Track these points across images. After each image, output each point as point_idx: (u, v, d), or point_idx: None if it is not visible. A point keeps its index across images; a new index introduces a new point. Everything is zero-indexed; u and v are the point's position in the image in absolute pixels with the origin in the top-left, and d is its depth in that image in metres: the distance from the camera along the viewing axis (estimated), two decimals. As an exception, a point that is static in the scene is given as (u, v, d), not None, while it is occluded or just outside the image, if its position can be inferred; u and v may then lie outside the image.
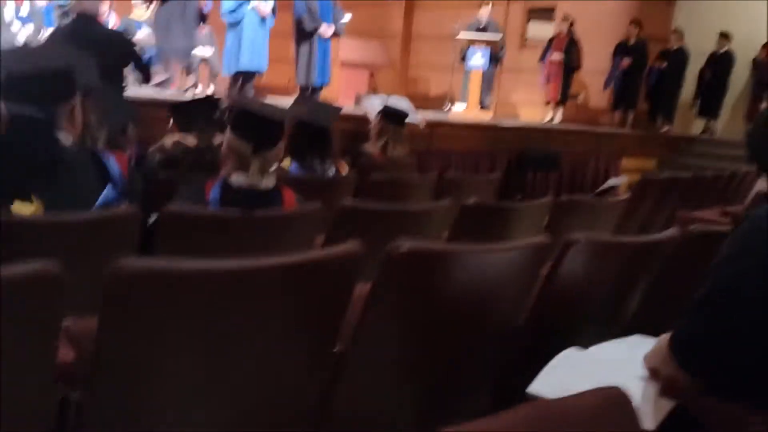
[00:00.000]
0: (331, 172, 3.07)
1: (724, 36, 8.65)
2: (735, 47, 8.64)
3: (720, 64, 8.68)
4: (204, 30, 10.38)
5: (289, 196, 2.20)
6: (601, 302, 1.79)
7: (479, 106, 8.46)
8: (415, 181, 3.48)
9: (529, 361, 1.44)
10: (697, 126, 9.14)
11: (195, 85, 7.31)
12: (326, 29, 7.25)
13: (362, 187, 3.21)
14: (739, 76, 8.69)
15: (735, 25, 8.71)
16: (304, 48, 7.30)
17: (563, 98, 9.17)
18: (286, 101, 8.07)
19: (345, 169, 3.16)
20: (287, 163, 3.00)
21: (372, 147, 3.98)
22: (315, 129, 3.00)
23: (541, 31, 10.34)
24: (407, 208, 2.38)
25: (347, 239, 2.18)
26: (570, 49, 8.94)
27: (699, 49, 8.81)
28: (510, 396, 1.40)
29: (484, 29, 8.81)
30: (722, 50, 8.70)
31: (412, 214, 2.41)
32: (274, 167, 2.43)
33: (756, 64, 8.39)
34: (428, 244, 1.38)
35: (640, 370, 1.27)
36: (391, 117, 3.95)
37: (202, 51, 9.73)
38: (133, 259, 1.08)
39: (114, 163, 1.93)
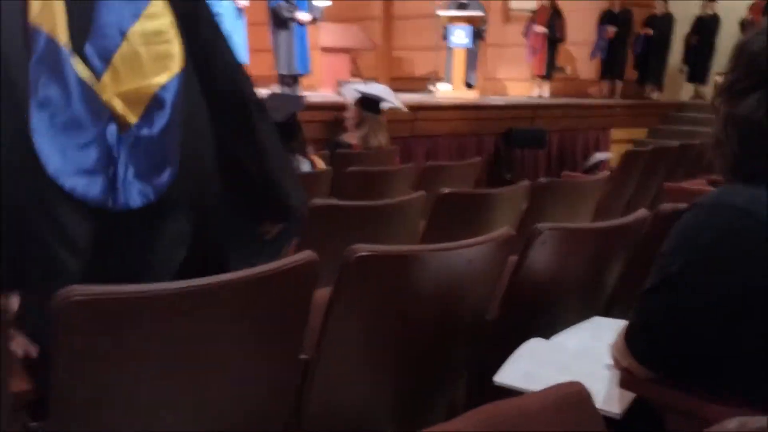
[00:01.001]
0: (306, 167, 3.07)
1: (709, -1, 8.64)
2: (721, 10, 8.61)
3: (706, 28, 8.66)
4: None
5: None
6: (574, 290, 1.81)
7: (465, 85, 8.45)
8: (395, 171, 3.48)
9: (502, 354, 1.47)
10: (687, 92, 9.13)
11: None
12: (303, 16, 7.21)
13: (339, 181, 3.22)
14: (728, 40, 8.65)
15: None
16: (282, 36, 7.27)
17: (549, 72, 9.16)
18: (264, 91, 8.06)
19: (320, 164, 3.16)
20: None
21: (350, 137, 3.98)
22: (280, 123, 3.00)
23: (525, 2, 10.28)
24: (380, 203, 2.38)
25: (318, 240, 2.21)
26: (553, 22, 8.91)
27: (684, 13, 8.79)
28: (484, 390, 1.43)
29: (465, 5, 8.76)
30: (708, 14, 8.67)
31: (386, 208, 2.42)
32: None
33: (744, 25, 8.36)
34: (385, 248, 1.39)
35: (604, 357, 1.30)
36: (368, 105, 3.94)
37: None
38: (79, 287, 1.09)
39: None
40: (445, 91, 8.47)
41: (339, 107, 5.25)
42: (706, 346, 1.03)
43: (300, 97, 3.67)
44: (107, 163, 1.19)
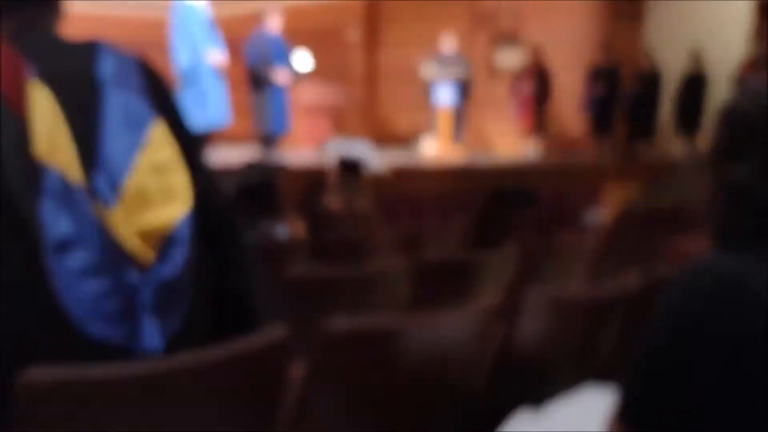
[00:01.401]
0: (284, 233, 3.08)
1: (696, 55, 8.93)
2: (710, 65, 8.90)
3: (694, 84, 8.93)
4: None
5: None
6: (566, 359, 1.81)
7: (451, 142, 8.59)
8: (378, 236, 3.50)
9: (490, 428, 1.45)
10: (678, 147, 9.34)
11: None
12: (282, 75, 7.36)
13: (319, 248, 3.22)
14: (719, 94, 8.92)
15: (707, 40, 9.00)
16: (259, 95, 7.40)
17: (538, 129, 9.36)
18: (245, 151, 8.14)
19: (299, 229, 3.18)
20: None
21: (331, 201, 4.01)
22: (257, 190, 3.03)
23: (509, 58, 10.58)
24: (361, 272, 2.39)
25: (296, 312, 2.20)
26: (540, 79, 9.16)
27: (672, 67, 9.07)
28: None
29: (449, 63, 8.99)
30: (696, 71, 8.96)
31: (367, 276, 2.42)
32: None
33: (736, 80, 8.62)
34: (364, 322, 1.39)
35: (596, 429, 1.29)
36: (347, 168, 3.99)
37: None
38: (37, 371, 1.08)
39: None
40: (431, 150, 8.61)
41: (320, 169, 5.32)
42: (696, 421, 1.03)
43: (276, 165, 3.71)
44: (130, 307, 1.16)
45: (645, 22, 9.91)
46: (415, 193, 6.22)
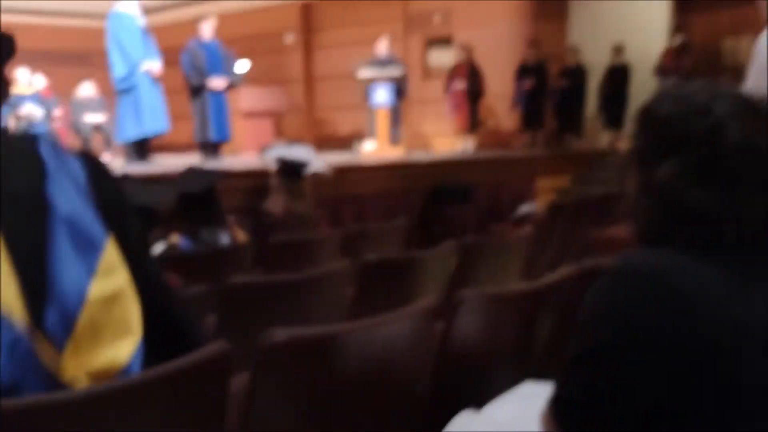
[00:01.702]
0: (226, 240, 3.02)
1: (618, 48, 9.16)
2: (632, 57, 9.15)
3: (618, 76, 9.17)
4: (94, 97, 10.23)
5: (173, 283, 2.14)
6: (504, 355, 1.82)
7: (390, 143, 8.60)
8: (321, 238, 3.47)
9: (434, 428, 1.44)
10: (605, 138, 9.57)
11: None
12: (217, 82, 7.24)
13: (262, 253, 3.17)
14: (642, 85, 9.17)
15: (629, 36, 9.25)
16: (197, 103, 7.28)
17: (473, 126, 9.46)
18: (186, 159, 7.97)
19: (241, 235, 3.11)
20: (176, 238, 2.93)
21: (273, 204, 3.95)
22: (196, 197, 2.95)
23: (443, 58, 10.66)
24: (304, 276, 2.35)
25: (240, 320, 2.15)
26: (472, 77, 9.26)
27: (596, 62, 9.29)
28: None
29: (385, 64, 9.00)
30: (618, 62, 9.20)
31: (310, 281, 2.38)
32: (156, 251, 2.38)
33: (658, 69, 8.86)
34: (304, 331, 1.36)
35: (534, 428, 1.29)
36: (287, 172, 3.93)
37: (93, 118, 9.55)
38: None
39: None
40: (371, 150, 8.60)
41: (262, 173, 5.23)
42: (626, 417, 1.03)
43: (216, 171, 3.61)
44: None
45: (569, 19, 10.13)
46: (357, 193, 6.19)
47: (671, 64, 8.74)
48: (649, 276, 1.02)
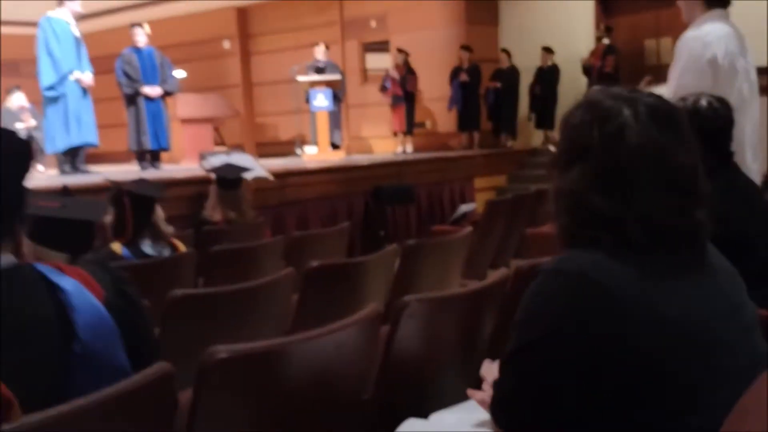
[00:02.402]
0: (166, 252, 2.92)
1: (547, 50, 9.36)
2: (560, 59, 9.35)
3: (547, 77, 9.36)
4: (25, 105, 9.82)
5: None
6: (448, 360, 1.81)
7: (331, 146, 8.57)
8: (264, 246, 3.40)
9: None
10: (538, 137, 9.77)
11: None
12: (151, 90, 7.05)
13: (205, 263, 3.09)
14: (571, 85, 9.39)
15: (557, 38, 9.46)
16: (131, 111, 7.08)
17: (410, 127, 9.50)
18: (124, 168, 7.74)
19: (181, 246, 3.02)
20: (117, 247, 2.82)
21: (213, 213, 3.87)
22: (137, 208, 2.85)
23: (381, 62, 10.69)
24: (246, 287, 2.29)
25: (183, 334, 2.08)
26: (406, 77, 9.31)
27: (528, 64, 9.47)
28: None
29: (322, 70, 8.97)
30: (548, 64, 9.39)
31: (254, 291, 2.33)
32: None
33: (585, 69, 9.10)
34: (246, 346, 1.32)
35: (482, 432, 1.29)
36: (223, 182, 3.85)
37: (24, 127, 9.16)
38: None
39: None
40: (312, 154, 8.55)
41: (202, 181, 5.12)
42: (563, 415, 1.04)
43: (160, 185, 3.51)
44: None
45: (500, 23, 10.30)
46: (299, 198, 6.13)
47: (596, 65, 8.98)
48: (575, 276, 1.03)
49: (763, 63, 6.32)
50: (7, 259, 1.08)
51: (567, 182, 1.10)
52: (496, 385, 1.14)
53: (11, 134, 1.14)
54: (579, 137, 1.10)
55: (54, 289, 1.10)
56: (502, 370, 1.13)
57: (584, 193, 1.07)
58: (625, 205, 1.05)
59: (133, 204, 2.88)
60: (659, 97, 1.15)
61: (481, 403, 1.31)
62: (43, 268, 1.13)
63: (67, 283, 1.11)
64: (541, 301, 1.06)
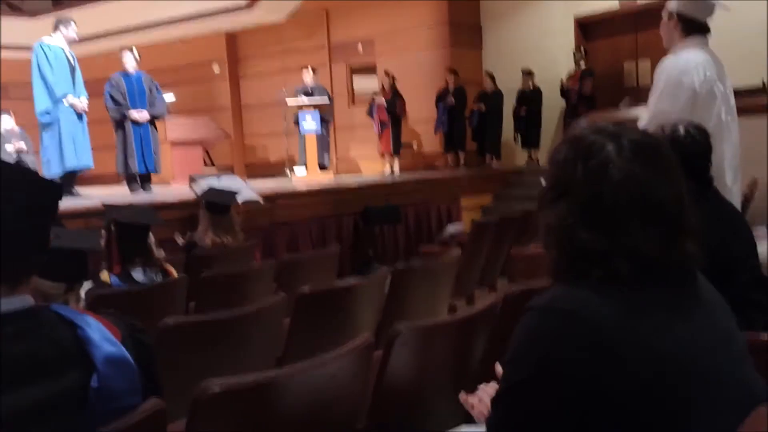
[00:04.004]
0: (158, 278, 2.89)
1: (528, 73, 9.45)
2: (542, 81, 9.44)
3: (530, 99, 9.44)
4: (14, 129, 9.75)
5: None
6: (439, 387, 1.79)
7: (319, 167, 8.56)
8: (255, 270, 3.37)
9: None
10: (522, 157, 9.81)
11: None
12: (138, 115, 7.02)
13: (196, 288, 3.06)
14: (553, 107, 9.46)
15: (539, 61, 9.55)
16: (119, 135, 7.06)
17: (396, 148, 9.53)
18: (115, 191, 7.68)
19: (173, 272, 2.99)
20: (106, 276, 2.79)
21: (203, 236, 3.83)
22: (128, 235, 2.82)
23: (368, 84, 10.73)
24: (238, 314, 2.26)
25: (175, 362, 2.05)
26: (393, 100, 9.35)
27: (512, 86, 9.55)
28: None
29: (311, 93, 8.99)
30: (529, 86, 9.47)
31: (245, 318, 2.30)
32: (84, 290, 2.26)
33: (563, 91, 9.21)
34: (239, 380, 1.30)
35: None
36: (211, 206, 3.82)
37: (14, 149, 9.10)
38: None
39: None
40: (301, 176, 8.53)
41: (192, 204, 5.09)
42: None
43: (153, 211, 3.46)
44: None
45: (484, 47, 10.39)
46: (289, 220, 6.10)
47: (574, 87, 9.08)
48: (564, 315, 1.02)
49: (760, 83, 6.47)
50: (25, 300, 1.07)
51: (554, 218, 1.09)
52: (489, 422, 1.13)
53: (33, 173, 1.13)
54: (564, 173, 1.10)
55: (72, 325, 1.08)
56: (494, 407, 1.11)
57: (571, 227, 1.07)
58: (611, 239, 1.05)
59: (122, 232, 2.85)
60: (644, 132, 1.15)
61: (472, 407, 1.30)
62: (60, 308, 1.12)
63: (85, 320, 1.10)
64: (530, 340, 1.04)
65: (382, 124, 9.44)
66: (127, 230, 2.87)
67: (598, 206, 1.06)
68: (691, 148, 2.16)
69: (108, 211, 3.05)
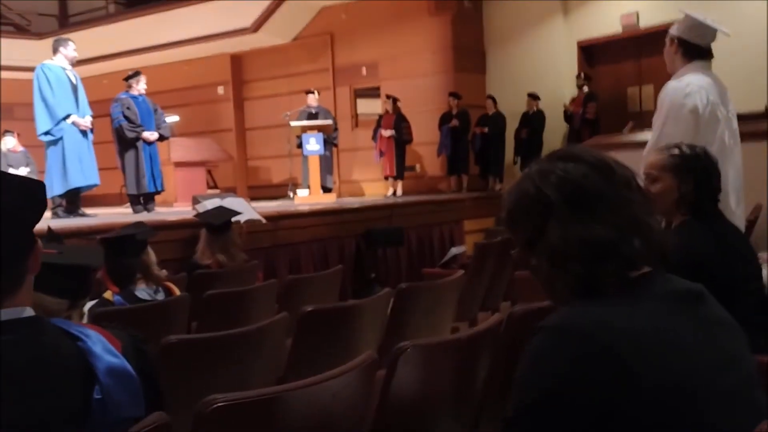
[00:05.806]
0: (161, 296, 2.90)
1: (533, 96, 9.52)
2: (546, 105, 9.51)
3: (533, 122, 9.50)
4: (17, 149, 9.83)
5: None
6: (443, 405, 1.79)
7: (322, 189, 8.60)
8: (257, 289, 3.38)
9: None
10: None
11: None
12: (149, 135, 7.11)
13: (198, 307, 3.06)
14: (556, 130, 9.52)
15: (543, 85, 9.63)
16: (130, 156, 7.10)
17: (400, 171, 9.57)
18: (116, 211, 7.72)
19: (176, 290, 3.00)
20: (109, 294, 2.80)
21: (202, 257, 3.84)
22: (129, 254, 2.83)
23: (372, 107, 10.81)
24: (241, 332, 2.27)
25: (178, 379, 2.05)
26: (399, 125, 9.41)
27: (514, 110, 9.61)
28: None
29: (315, 115, 9.07)
30: (533, 109, 9.54)
31: (248, 336, 2.30)
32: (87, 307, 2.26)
33: (566, 116, 9.28)
34: (243, 395, 1.30)
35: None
36: (211, 227, 3.84)
37: (17, 170, 9.16)
38: None
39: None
40: (304, 197, 8.56)
41: (195, 224, 5.10)
42: None
43: (149, 228, 3.47)
44: None
45: (488, 71, 10.48)
46: (291, 241, 6.11)
47: (577, 112, 9.15)
48: (576, 333, 1.02)
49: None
50: (25, 309, 1.07)
51: (548, 247, 1.10)
52: None
53: (26, 180, 1.14)
54: (534, 203, 1.12)
55: (72, 337, 1.09)
56: (505, 429, 1.10)
57: (574, 233, 1.08)
58: (612, 223, 1.08)
59: (114, 251, 2.84)
60: (602, 157, 1.17)
61: None
62: (60, 321, 1.12)
63: (85, 332, 1.10)
64: (544, 360, 1.03)
65: (382, 153, 9.52)
66: (113, 250, 2.86)
67: (585, 198, 1.09)
68: (713, 165, 2.18)
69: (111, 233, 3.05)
